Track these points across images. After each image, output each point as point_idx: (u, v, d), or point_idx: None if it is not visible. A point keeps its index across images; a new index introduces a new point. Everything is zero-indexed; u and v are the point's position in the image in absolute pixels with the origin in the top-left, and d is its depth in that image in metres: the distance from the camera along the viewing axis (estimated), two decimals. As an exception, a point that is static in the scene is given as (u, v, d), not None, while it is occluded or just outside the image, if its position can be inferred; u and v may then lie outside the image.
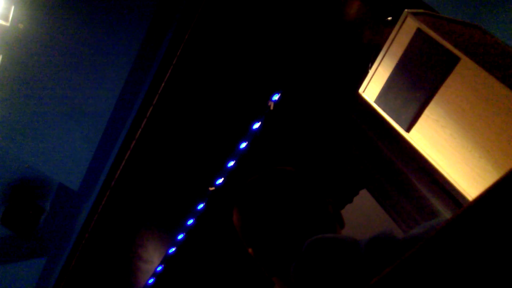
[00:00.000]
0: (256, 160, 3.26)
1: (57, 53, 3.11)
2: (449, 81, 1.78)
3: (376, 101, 2.13)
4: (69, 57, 3.16)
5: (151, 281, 4.10)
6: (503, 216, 0.36)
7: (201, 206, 3.62)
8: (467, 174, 1.73)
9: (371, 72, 2.16)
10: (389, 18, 2.48)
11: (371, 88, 2.16)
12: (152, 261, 4.00)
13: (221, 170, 3.38)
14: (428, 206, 2.35)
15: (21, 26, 2.91)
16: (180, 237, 3.81)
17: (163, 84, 3.03)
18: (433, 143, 1.86)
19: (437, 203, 2.29)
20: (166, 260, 3.95)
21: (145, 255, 4.03)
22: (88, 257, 4.03)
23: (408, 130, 1.96)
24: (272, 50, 2.94)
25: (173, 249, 3.88)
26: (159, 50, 3.33)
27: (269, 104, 3.04)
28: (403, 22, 1.98)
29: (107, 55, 3.25)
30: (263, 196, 0.88)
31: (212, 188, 3.47)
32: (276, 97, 3.03)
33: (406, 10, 1.98)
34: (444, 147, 1.81)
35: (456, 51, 1.74)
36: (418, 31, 1.90)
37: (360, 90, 2.23)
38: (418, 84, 1.90)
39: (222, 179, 3.45)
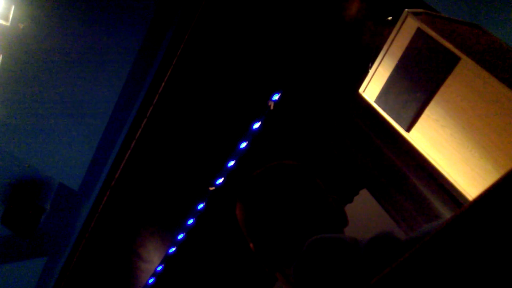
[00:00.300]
0: (256, 160, 3.26)
1: (57, 53, 3.11)
2: (449, 81, 1.78)
3: (376, 101, 2.13)
4: (69, 57, 3.17)
5: (151, 280, 4.10)
6: (503, 216, 0.36)
7: (201, 206, 3.62)
8: (467, 174, 1.73)
9: (371, 72, 2.16)
10: (389, 18, 2.48)
11: (371, 88, 2.16)
12: (152, 260, 4.01)
13: (221, 170, 3.38)
14: (428, 206, 2.35)
15: (21, 26, 2.91)
16: (180, 236, 3.81)
17: (163, 84, 3.03)
18: (433, 143, 1.86)
19: (437, 203, 2.29)
20: (166, 259, 3.95)
21: (145, 255, 4.03)
22: (88, 257, 4.03)
23: (408, 130, 1.95)
24: (272, 50, 2.94)
25: (173, 248, 3.88)
26: (159, 50, 3.33)
27: (269, 103, 3.04)
28: (403, 22, 1.98)
29: (107, 55, 3.25)
30: (266, 191, 0.88)
31: (212, 188, 3.47)
32: (276, 96, 3.03)
33: (406, 10, 1.98)
34: (444, 147, 1.81)
35: (456, 51, 1.74)
36: (418, 31, 1.90)
37: (360, 90, 2.23)
38: (418, 84, 1.90)
39: (222, 179, 3.45)
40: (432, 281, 0.39)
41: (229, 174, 3.41)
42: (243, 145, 3.25)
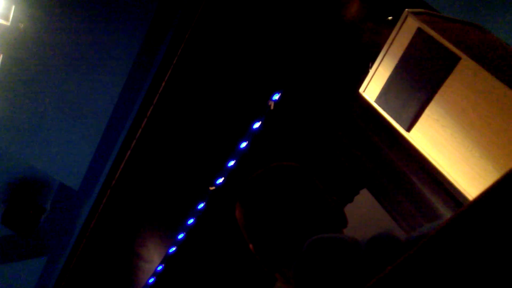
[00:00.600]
0: (257, 160, 3.26)
1: (57, 53, 3.12)
2: (449, 81, 1.78)
3: (377, 101, 2.13)
4: (70, 56, 3.17)
5: (151, 280, 4.10)
6: (503, 215, 0.36)
7: (201, 205, 3.62)
8: (467, 174, 1.73)
9: (371, 71, 2.16)
10: (390, 18, 2.48)
11: (372, 88, 2.16)
12: (153, 260, 4.01)
13: (222, 169, 3.38)
14: (428, 206, 2.35)
15: (21, 25, 2.91)
16: (180, 236, 3.81)
17: (163, 84, 3.03)
18: (433, 143, 1.86)
19: (437, 203, 2.29)
20: (167, 259, 3.95)
21: (145, 255, 4.03)
22: (89, 256, 4.03)
23: (408, 129, 1.95)
24: (272, 50, 2.94)
25: (174, 248, 3.88)
26: (159, 50, 3.33)
27: (269, 103, 3.04)
28: (404, 21, 1.98)
29: (107, 54, 3.25)
30: (266, 192, 0.88)
31: (212, 188, 3.47)
32: (276, 96, 3.03)
33: (406, 9, 1.98)
34: (445, 146, 1.81)
35: (456, 51, 1.74)
36: (419, 30, 1.90)
37: (361, 90, 2.23)
38: (418, 83, 1.90)
39: (223, 178, 3.45)
40: (432, 281, 0.39)
41: (229, 174, 3.41)
42: (243, 145, 3.25)
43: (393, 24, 2.09)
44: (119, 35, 3.18)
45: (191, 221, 3.71)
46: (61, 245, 4.59)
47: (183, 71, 2.99)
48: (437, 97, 1.83)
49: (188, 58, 2.94)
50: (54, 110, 3.42)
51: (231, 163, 3.36)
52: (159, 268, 4.01)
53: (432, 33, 1.84)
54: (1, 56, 3.00)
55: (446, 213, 2.25)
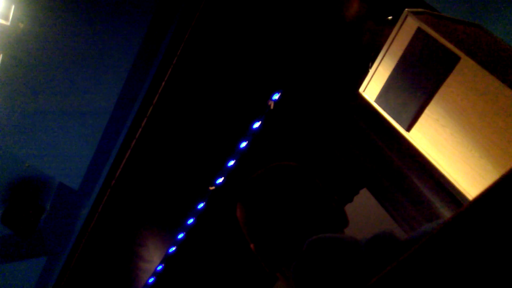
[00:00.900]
0: (257, 160, 3.26)
1: (57, 53, 3.11)
2: (449, 81, 1.78)
3: (377, 101, 2.13)
4: (70, 56, 3.17)
5: (151, 280, 4.10)
6: (503, 215, 0.36)
7: (201, 205, 3.62)
8: (467, 174, 1.73)
9: (371, 71, 2.16)
10: (390, 18, 2.48)
11: (372, 88, 2.16)
12: (152, 260, 4.01)
13: (222, 169, 3.38)
14: (428, 205, 2.35)
15: (21, 25, 2.91)
16: (180, 236, 3.81)
17: (163, 84, 3.03)
18: (433, 143, 1.86)
19: (437, 202, 2.29)
20: (166, 259, 3.95)
21: (145, 255, 4.03)
22: (89, 256, 4.03)
23: (408, 129, 1.96)
24: (272, 49, 2.94)
25: (173, 248, 3.88)
26: (159, 50, 3.33)
27: (269, 103, 3.04)
28: (404, 21, 1.98)
29: (108, 54, 3.25)
30: (267, 191, 0.88)
31: (212, 188, 3.47)
32: (276, 96, 3.03)
33: (406, 9, 1.98)
34: (445, 146, 1.81)
35: (456, 51, 1.74)
36: (419, 30, 1.90)
37: (361, 90, 2.23)
38: (418, 83, 1.90)
39: (222, 178, 3.45)
40: (432, 281, 0.39)
41: (229, 173, 3.41)
42: (243, 144, 3.25)
43: (393, 24, 2.09)
44: (119, 35, 3.18)
45: (191, 221, 3.71)
46: (61, 245, 4.59)
47: (183, 71, 2.99)
48: (437, 97, 1.83)
49: (188, 58, 2.94)
50: (54, 110, 3.42)
51: (231, 163, 3.36)
52: (159, 268, 4.01)
53: (432, 33, 1.84)
54: (1, 56, 3.00)
55: (446, 213, 2.25)
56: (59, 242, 4.59)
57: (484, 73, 1.65)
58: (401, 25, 1.99)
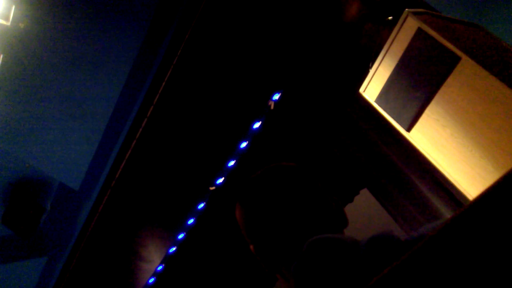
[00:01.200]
0: (257, 160, 3.26)
1: (57, 53, 3.12)
2: (449, 81, 1.78)
3: (377, 101, 2.13)
4: (70, 56, 3.17)
5: (151, 280, 4.10)
6: (503, 215, 0.36)
7: (201, 205, 3.62)
8: (467, 174, 1.73)
9: (371, 71, 2.16)
10: (390, 18, 2.48)
11: (372, 88, 2.16)
12: (153, 260, 4.01)
13: (222, 169, 3.38)
14: (428, 206, 2.34)
15: (21, 25, 2.91)
16: (180, 236, 3.81)
17: (163, 84, 3.03)
18: (433, 143, 1.86)
19: (437, 203, 2.28)
20: (167, 259, 3.95)
21: (145, 255, 4.03)
22: (89, 256, 4.03)
23: (408, 129, 1.95)
24: (272, 50, 2.94)
25: (174, 248, 3.88)
26: (159, 50, 3.33)
27: (269, 103, 3.04)
28: (404, 21, 1.98)
29: (108, 54, 3.25)
30: (266, 192, 0.88)
31: (212, 188, 3.47)
32: (276, 96, 3.03)
33: (406, 9, 1.98)
34: (445, 146, 1.81)
35: (456, 51, 1.74)
36: (419, 30, 1.90)
37: (361, 90, 2.23)
38: (418, 83, 1.90)
39: (223, 178, 3.45)
40: (432, 281, 0.39)
41: (229, 174, 3.41)
42: (243, 145, 3.25)
43: (393, 24, 2.09)
44: (119, 35, 3.18)
45: (191, 221, 3.71)
46: (61, 245, 4.59)
47: (183, 71, 2.99)
48: (437, 97, 1.83)
49: (188, 58, 2.94)
50: (54, 110, 3.42)
51: (231, 163, 3.36)
52: (159, 268, 4.01)
53: (432, 33, 1.84)
54: (1, 56, 3.00)
55: (446, 213, 2.25)
56: (59, 242, 4.59)
57: (484, 73, 1.65)
58: (402, 25, 1.99)
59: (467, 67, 1.71)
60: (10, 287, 4.65)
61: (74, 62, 3.20)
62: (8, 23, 2.89)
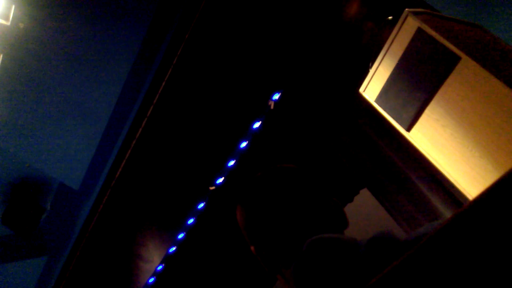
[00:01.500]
0: (257, 160, 3.26)
1: (57, 53, 3.11)
2: (449, 81, 1.78)
3: (377, 101, 2.13)
4: (70, 56, 3.17)
5: (151, 280, 4.10)
6: (503, 215, 0.36)
7: (201, 205, 3.62)
8: (467, 174, 1.73)
9: (371, 71, 2.16)
10: (390, 18, 2.48)
11: (372, 88, 2.16)
12: (153, 260, 4.01)
13: (222, 169, 3.38)
14: (428, 206, 2.35)
15: (21, 25, 2.91)
16: (180, 236, 3.81)
17: (163, 84, 3.03)
18: (433, 143, 1.86)
19: (437, 202, 2.29)
20: (167, 259, 3.95)
21: (145, 255, 4.03)
22: (89, 256, 4.03)
23: (408, 129, 1.95)
24: (272, 49, 2.94)
25: (174, 248, 3.88)
26: (159, 50, 3.33)
27: (269, 103, 3.04)
28: (404, 21, 1.98)
29: (108, 54, 3.25)
30: (266, 194, 0.89)
31: (212, 188, 3.47)
32: (276, 96, 3.03)
33: (406, 9, 1.98)
34: (445, 146, 1.81)
35: (456, 51, 1.74)
36: (419, 30, 1.90)
37: (361, 90, 2.23)
38: (418, 83, 1.90)
39: (223, 178, 3.45)
40: (432, 281, 0.39)
41: (229, 173, 3.41)
42: (243, 144, 3.25)
43: (393, 24, 2.09)
44: (119, 35, 3.18)
45: (191, 221, 3.71)
46: (61, 245, 4.59)
47: (183, 71, 2.99)
48: (437, 97, 1.83)
49: (188, 58, 2.94)
50: (54, 110, 3.42)
51: (231, 163, 3.36)
52: (159, 268, 4.01)
53: (432, 33, 1.84)
54: (1, 56, 3.00)
55: (446, 213, 2.25)
56: (60, 242, 4.59)
57: (484, 73, 1.65)
58: (401, 25, 1.99)
59: (467, 67, 1.71)
60: (10, 287, 4.65)
61: (74, 62, 3.20)
62: (8, 23, 2.89)
